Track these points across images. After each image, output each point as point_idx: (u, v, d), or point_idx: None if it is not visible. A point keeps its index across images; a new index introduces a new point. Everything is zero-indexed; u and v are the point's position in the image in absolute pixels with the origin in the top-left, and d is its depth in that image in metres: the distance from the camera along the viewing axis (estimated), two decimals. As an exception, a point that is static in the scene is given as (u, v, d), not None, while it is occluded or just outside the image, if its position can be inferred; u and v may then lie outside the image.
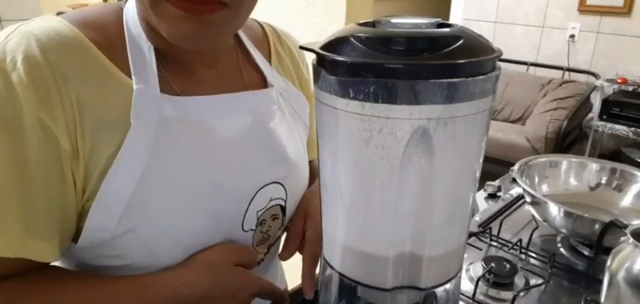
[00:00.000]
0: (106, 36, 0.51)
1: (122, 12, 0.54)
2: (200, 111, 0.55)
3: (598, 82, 3.16)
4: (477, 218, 0.96)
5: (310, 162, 0.74)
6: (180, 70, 0.56)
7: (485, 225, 0.94)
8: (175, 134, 0.52)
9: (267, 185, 0.60)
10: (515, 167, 0.94)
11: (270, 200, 0.62)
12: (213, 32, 0.50)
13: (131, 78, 0.50)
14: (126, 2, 0.55)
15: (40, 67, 0.46)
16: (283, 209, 0.64)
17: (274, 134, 0.61)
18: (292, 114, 0.67)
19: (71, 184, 0.48)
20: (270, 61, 0.67)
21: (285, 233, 0.69)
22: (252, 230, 0.61)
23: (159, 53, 0.54)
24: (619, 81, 3.05)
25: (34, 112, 0.45)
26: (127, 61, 0.51)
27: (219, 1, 0.48)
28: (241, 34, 0.65)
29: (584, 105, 3.32)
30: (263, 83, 0.64)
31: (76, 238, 0.51)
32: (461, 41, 0.39)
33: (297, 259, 0.83)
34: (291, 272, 0.83)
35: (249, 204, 0.59)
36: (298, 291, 0.71)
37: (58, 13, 0.53)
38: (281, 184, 0.62)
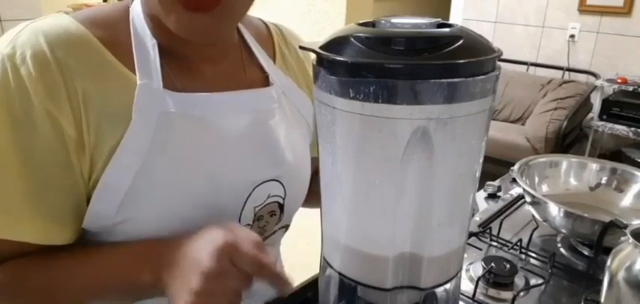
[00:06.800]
0: (113, 33, 0.54)
1: (129, 10, 0.56)
2: (200, 107, 0.56)
3: (598, 82, 3.16)
4: (477, 218, 0.96)
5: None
6: (183, 67, 0.57)
7: (485, 225, 0.94)
8: (175, 129, 0.54)
9: (264, 182, 0.61)
10: (515, 167, 0.94)
11: (268, 196, 0.62)
12: (217, 25, 0.52)
13: (135, 74, 0.52)
14: (133, 1, 0.57)
15: (47, 62, 0.48)
16: (281, 206, 0.65)
17: (273, 132, 0.62)
18: (294, 113, 0.67)
19: (79, 171, 0.51)
20: (274, 60, 0.68)
21: (282, 229, 0.69)
22: (248, 225, 0.62)
23: (163, 50, 0.55)
24: (619, 81, 3.05)
25: (42, 104, 0.48)
26: (132, 58, 0.53)
27: None
28: (245, 32, 0.66)
29: (584, 105, 3.32)
30: (265, 81, 0.65)
31: None
32: (461, 41, 0.39)
33: (298, 259, 0.83)
34: (292, 272, 0.83)
35: (247, 200, 0.60)
36: (299, 291, 0.71)
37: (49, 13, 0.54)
38: (279, 182, 0.62)
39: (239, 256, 0.46)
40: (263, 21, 0.72)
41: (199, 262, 0.45)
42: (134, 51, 0.53)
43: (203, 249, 0.46)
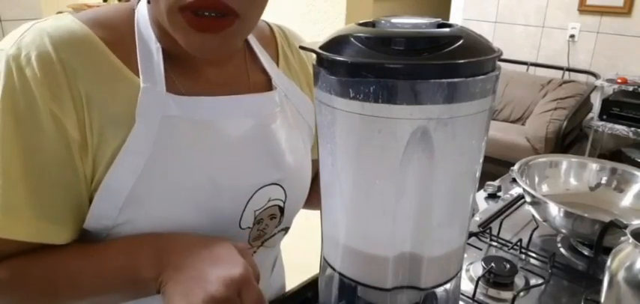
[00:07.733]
0: (117, 35, 0.53)
1: (134, 12, 0.56)
2: (203, 111, 0.56)
3: (598, 82, 3.16)
4: (477, 218, 0.96)
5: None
6: (187, 71, 0.57)
7: (485, 225, 0.94)
8: (178, 132, 0.54)
9: (265, 186, 0.61)
10: (515, 167, 0.94)
11: (269, 200, 0.62)
12: (228, 43, 0.52)
13: (139, 77, 0.52)
14: (138, 3, 0.57)
15: (52, 63, 0.48)
16: (282, 209, 0.65)
17: (275, 137, 0.62)
18: (296, 116, 0.67)
19: (82, 172, 0.51)
20: (277, 63, 0.68)
21: (282, 231, 0.69)
22: (249, 228, 0.62)
23: (167, 54, 0.55)
24: (619, 81, 3.05)
25: (46, 105, 0.48)
26: (136, 60, 0.53)
27: (233, 13, 0.49)
28: (250, 36, 0.66)
29: (584, 105, 3.32)
30: (268, 85, 0.65)
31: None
32: (461, 41, 0.39)
33: (298, 259, 0.83)
34: (292, 272, 0.83)
35: (247, 204, 0.60)
36: (298, 291, 0.71)
37: (59, 12, 0.54)
38: (280, 186, 0.62)
39: (248, 293, 0.47)
40: (267, 22, 0.72)
41: (210, 284, 0.46)
42: (138, 54, 0.53)
43: (216, 272, 0.47)
